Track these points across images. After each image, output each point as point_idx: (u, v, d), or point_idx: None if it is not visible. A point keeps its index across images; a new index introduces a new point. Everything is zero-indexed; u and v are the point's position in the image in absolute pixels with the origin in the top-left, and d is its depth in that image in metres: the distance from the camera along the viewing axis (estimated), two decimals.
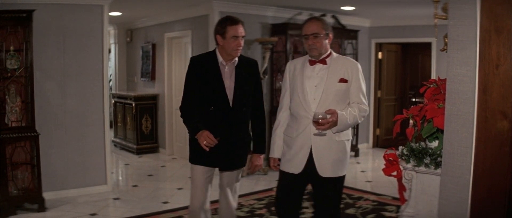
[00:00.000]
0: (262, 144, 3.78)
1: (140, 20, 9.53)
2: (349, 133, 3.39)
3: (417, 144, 2.91)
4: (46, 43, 5.77)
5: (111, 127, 7.64)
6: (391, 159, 3.11)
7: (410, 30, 9.06)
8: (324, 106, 3.25)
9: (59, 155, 5.95)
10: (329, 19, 8.41)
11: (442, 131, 2.59)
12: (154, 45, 9.13)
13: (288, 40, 7.40)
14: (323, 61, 3.37)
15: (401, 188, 3.05)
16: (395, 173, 3.09)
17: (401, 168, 3.01)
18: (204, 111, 3.53)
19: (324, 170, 3.29)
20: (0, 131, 5.17)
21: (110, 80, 10.53)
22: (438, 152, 2.71)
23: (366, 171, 7.83)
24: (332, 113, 3.15)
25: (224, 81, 3.52)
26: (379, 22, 9.37)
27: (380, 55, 9.67)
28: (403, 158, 2.92)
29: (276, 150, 3.54)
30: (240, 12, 7.15)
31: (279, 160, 3.52)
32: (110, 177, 6.41)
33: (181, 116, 3.61)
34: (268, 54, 7.27)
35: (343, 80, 3.30)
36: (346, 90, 3.32)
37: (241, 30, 3.49)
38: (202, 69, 3.54)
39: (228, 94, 3.52)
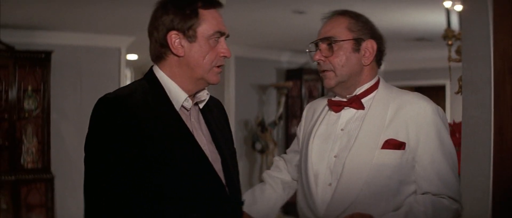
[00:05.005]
0: None
1: None
2: None
3: None
4: (64, 84, 5.84)
5: None
6: None
7: (424, 73, 9.06)
8: (347, 203, 1.60)
9: (74, 198, 5.92)
10: None
11: (459, 175, 2.56)
12: None
13: (303, 85, 7.48)
14: (357, 103, 1.72)
15: None
16: None
17: None
18: None
19: None
20: (16, 172, 5.19)
21: None
22: None
23: None
24: None
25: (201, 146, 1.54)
26: (392, 66, 9.37)
27: None
28: None
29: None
30: (255, 57, 7.21)
31: None
32: None
33: None
34: (283, 99, 7.29)
35: (393, 144, 1.61)
36: (401, 167, 1.60)
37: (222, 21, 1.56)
38: (145, 129, 1.47)
39: (217, 169, 1.55)
